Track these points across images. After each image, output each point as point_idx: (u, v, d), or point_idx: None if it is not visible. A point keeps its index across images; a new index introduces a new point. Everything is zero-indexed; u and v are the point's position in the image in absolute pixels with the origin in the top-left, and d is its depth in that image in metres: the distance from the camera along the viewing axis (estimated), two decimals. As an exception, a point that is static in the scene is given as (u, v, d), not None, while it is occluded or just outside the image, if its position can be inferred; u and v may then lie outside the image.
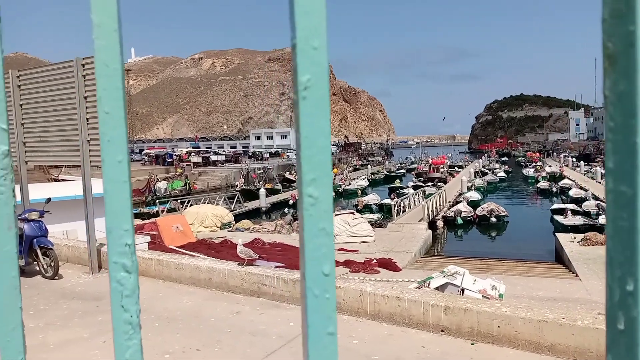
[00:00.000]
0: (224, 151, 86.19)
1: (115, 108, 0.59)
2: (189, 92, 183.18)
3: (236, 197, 32.69)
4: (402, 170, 68.62)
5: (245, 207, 32.68)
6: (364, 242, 18.60)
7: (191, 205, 27.29)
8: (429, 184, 43.62)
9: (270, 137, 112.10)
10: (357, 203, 33.15)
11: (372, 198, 35.70)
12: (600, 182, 41.03)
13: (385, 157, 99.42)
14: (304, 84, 0.51)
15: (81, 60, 7.83)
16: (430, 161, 58.30)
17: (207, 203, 28.17)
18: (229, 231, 21.68)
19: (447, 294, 9.26)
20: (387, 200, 31.16)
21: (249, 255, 6.40)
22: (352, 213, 20.85)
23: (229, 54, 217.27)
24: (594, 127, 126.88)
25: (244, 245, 6.91)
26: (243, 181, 45.34)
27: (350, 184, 47.32)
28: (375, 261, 15.38)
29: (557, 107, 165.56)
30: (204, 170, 56.86)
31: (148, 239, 12.81)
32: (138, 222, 22.71)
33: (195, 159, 63.43)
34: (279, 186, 44.70)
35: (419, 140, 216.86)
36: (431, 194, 30.22)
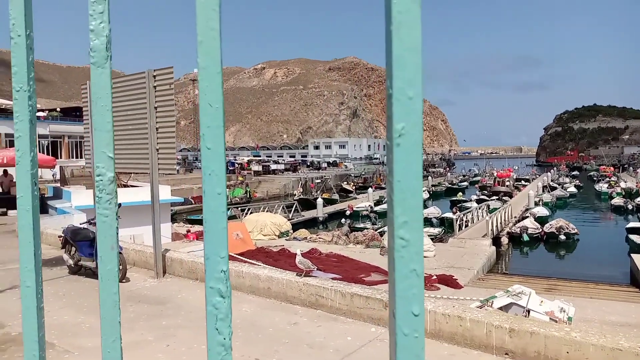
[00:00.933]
0: (283, 160, 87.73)
1: (217, 144, 0.64)
2: (251, 101, 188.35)
3: (294, 206, 33.12)
4: (465, 183, 66.91)
5: (303, 216, 33.02)
6: (424, 257, 18.20)
7: (251, 213, 27.93)
8: (494, 197, 42.24)
9: (328, 147, 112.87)
10: (416, 216, 32.62)
11: (432, 211, 35.01)
12: (683, 200, 38.00)
13: (447, 169, 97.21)
14: (399, 132, 0.54)
15: (152, 72, 8.26)
16: (495, 174, 56.44)
17: (266, 211, 28.73)
18: (286, 240, 21.98)
19: (512, 315, 8.90)
20: (449, 214, 30.45)
21: (307, 266, 6.46)
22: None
23: (290, 64, 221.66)
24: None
25: (302, 255, 6.98)
26: (301, 190, 45.92)
27: (409, 196, 46.55)
28: (435, 277, 15.01)
29: (634, 118, 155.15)
30: (263, 179, 58.08)
31: (211, 245, 13.21)
32: (199, 228, 23.54)
33: (256, 167, 64.98)
34: (336, 196, 44.85)
35: (483, 152, 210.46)
36: (496, 209, 29.20)
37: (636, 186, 49.48)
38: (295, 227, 26.86)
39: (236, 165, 63.07)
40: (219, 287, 0.64)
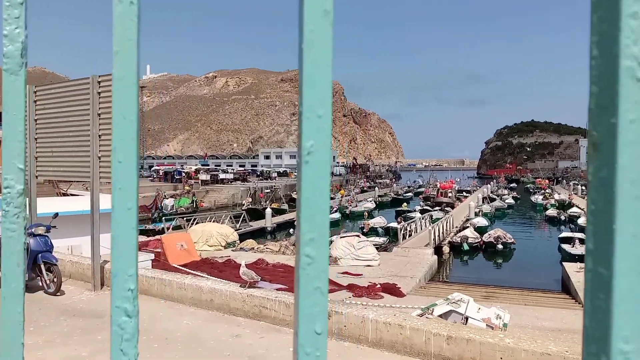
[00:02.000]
0: (232, 169, 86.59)
1: (129, 158, 0.64)
2: (201, 110, 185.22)
3: (242, 216, 32.70)
4: (410, 194, 68.47)
5: (251, 226, 32.66)
6: (368, 265, 18.46)
7: (197, 223, 27.32)
8: (437, 208, 43.41)
9: (279, 157, 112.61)
10: (363, 226, 33.05)
11: (378, 221, 35.57)
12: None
13: (393, 180, 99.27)
14: (308, 149, 0.55)
15: (97, 77, 7.98)
16: (438, 185, 58.14)
17: (213, 221, 28.19)
18: (233, 250, 21.64)
19: (451, 322, 9.16)
20: (394, 224, 31.06)
21: (252, 277, 6.40)
22: (358, 236, 20.76)
23: (242, 73, 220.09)
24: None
25: (246, 266, 6.91)
26: (250, 200, 45.46)
27: (357, 206, 47.22)
28: (379, 286, 15.23)
29: (568, 134, 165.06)
30: (211, 188, 57.03)
31: (152, 256, 12.80)
32: (143, 238, 22.76)
33: (204, 176, 63.70)
34: (285, 206, 44.69)
35: (427, 164, 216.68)
36: (438, 219, 30.07)
37: (569, 198, 52.40)
38: (243, 237, 26.49)
39: (183, 174, 61.63)
40: (126, 307, 0.63)
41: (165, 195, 43.59)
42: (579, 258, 21.12)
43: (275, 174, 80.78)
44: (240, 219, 32.24)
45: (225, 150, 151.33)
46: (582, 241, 25.79)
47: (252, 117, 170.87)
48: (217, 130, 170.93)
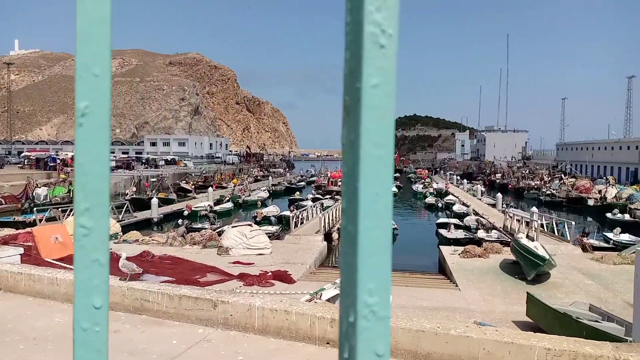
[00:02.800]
0: (114, 157, 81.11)
1: None
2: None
3: (125, 207, 30.82)
4: (303, 183, 69.52)
5: (135, 217, 30.93)
6: (260, 254, 18.47)
7: (74, 214, 25.18)
8: (327, 196, 44.64)
9: (166, 144, 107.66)
10: (256, 215, 32.91)
11: (271, 210, 35.67)
12: (480, 199, 44.82)
13: (287, 169, 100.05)
14: (82, 111, 0.51)
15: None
16: (329, 174, 59.76)
17: (93, 212, 26.16)
18: (115, 243, 20.34)
19: (335, 305, 9.50)
20: (287, 212, 31.34)
21: (132, 269, 6.03)
22: (250, 225, 20.63)
23: (126, 54, 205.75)
24: (476, 148, 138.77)
25: (127, 259, 6.49)
26: (134, 189, 42.95)
27: (250, 195, 46.89)
28: (270, 274, 15.32)
29: (446, 128, 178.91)
30: (91, 177, 52.77)
31: (21, 250, 11.58)
32: (11, 231, 20.50)
33: (82, 164, 58.63)
34: (173, 196, 42.96)
35: (320, 154, 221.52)
36: (329, 207, 30.91)
37: (445, 187, 56.85)
38: (127, 229, 25.06)
39: (58, 161, 56.34)
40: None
41: (37, 184, 39.57)
42: (453, 241, 23.04)
43: (163, 162, 77.19)
44: (124, 210, 30.36)
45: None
46: (457, 226, 28.18)
47: (137, 101, 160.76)
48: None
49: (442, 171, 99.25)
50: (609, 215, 35.60)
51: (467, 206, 37.25)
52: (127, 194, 40.11)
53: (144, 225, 30.08)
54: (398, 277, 17.24)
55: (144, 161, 79.15)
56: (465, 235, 25.59)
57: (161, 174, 52.79)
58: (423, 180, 73.92)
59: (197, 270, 15.72)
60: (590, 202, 43.42)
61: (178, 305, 5.18)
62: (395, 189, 60.48)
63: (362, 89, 0.46)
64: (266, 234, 21.86)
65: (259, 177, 73.87)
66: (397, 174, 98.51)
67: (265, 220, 31.29)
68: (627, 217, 34.49)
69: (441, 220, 31.45)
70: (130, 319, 5.49)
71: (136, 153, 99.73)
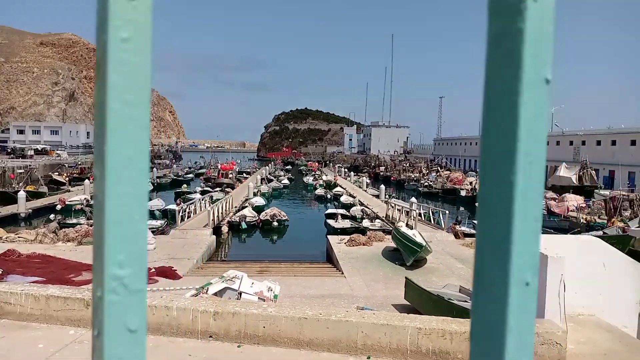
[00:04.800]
0: (-28, 145, 71.84)
1: None
2: None
3: (-14, 201, 27.49)
4: (191, 175, 67.34)
5: (-1, 212, 27.71)
6: (144, 249, 17.57)
7: None
8: (217, 189, 43.72)
9: (36, 132, 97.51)
10: (139, 208, 31.17)
11: (156, 204, 34.04)
12: (365, 190, 46.94)
13: (174, 161, 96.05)
14: None
15: None
16: (219, 166, 58.57)
17: (-56, 208, 22.97)
18: (-28, 242, 18.08)
19: (225, 298, 9.36)
20: (173, 206, 30.10)
21: (-12, 269, 5.35)
22: (132, 219, 19.49)
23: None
24: (363, 142, 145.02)
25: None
26: (-2, 181, 38.38)
27: (132, 188, 44.18)
28: (153, 270, 14.66)
29: (335, 122, 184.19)
30: (-59, 168, 46.24)
31: None
32: None
33: None
34: (44, 188, 39.09)
35: (209, 145, 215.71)
36: (218, 199, 30.29)
37: (334, 179, 58.68)
38: (-13, 226, 22.39)
39: None
40: None
41: None
42: (340, 231, 23.88)
43: (32, 152, 69.86)
44: (-17, 204, 27.05)
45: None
46: (344, 216, 29.23)
47: (1, 83, 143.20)
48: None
49: (331, 164, 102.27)
50: (477, 204, 39.28)
51: (354, 197, 38.83)
52: (-12, 187, 35.71)
53: (10, 221, 27.10)
54: (287, 267, 17.49)
55: (9, 150, 71.06)
56: (351, 224, 26.64)
57: (30, 165, 47.73)
58: (313, 173, 75.62)
59: (72, 269, 14.55)
60: (463, 193, 47.55)
61: (45, 307, 4.72)
62: (287, 181, 61.25)
63: (108, 42, 0.42)
64: (150, 228, 20.86)
65: (143, 169, 69.88)
66: (289, 166, 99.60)
67: (150, 215, 29.79)
68: (492, 206, 38.28)
69: (329, 210, 32.41)
70: (-14, 325, 4.89)
71: (0, 141, 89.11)
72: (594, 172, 44.94)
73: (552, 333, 4.03)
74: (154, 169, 66.03)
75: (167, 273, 14.60)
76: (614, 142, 49.94)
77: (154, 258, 16.25)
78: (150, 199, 37.79)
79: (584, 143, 55.10)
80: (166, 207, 31.68)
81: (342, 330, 3.92)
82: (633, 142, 47.03)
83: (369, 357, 3.89)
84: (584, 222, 27.55)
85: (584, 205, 31.82)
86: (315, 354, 3.94)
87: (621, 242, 15.02)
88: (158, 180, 55.81)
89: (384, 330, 3.86)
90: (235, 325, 4.18)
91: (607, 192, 35.18)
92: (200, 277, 13.66)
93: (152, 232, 20.57)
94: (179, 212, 23.95)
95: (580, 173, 44.24)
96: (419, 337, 3.80)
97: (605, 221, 26.23)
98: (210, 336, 4.22)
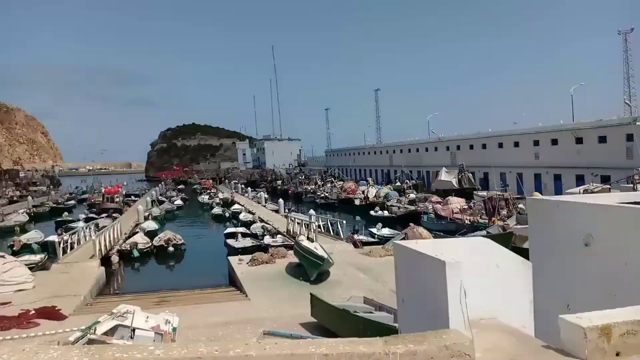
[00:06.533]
0: None
1: None
2: None
3: None
4: (72, 201, 62.22)
5: None
6: (20, 290, 15.73)
7: None
8: (103, 215, 40.73)
9: None
10: (13, 243, 27.90)
11: (33, 236, 30.81)
12: (265, 206, 46.59)
13: (52, 187, 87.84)
14: None
15: None
16: (103, 190, 54.71)
17: None
18: None
19: (117, 338, 8.53)
20: (54, 237, 27.34)
21: None
22: (3, 257, 17.33)
23: None
24: (257, 156, 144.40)
25: None
26: None
27: (4, 220, 39.63)
28: (33, 312, 13.08)
29: (227, 137, 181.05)
30: None
31: None
32: None
33: None
34: None
35: (91, 168, 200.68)
36: (105, 226, 28.09)
37: (231, 196, 57.50)
38: None
39: None
40: None
41: None
42: (242, 250, 23.26)
43: None
44: None
45: None
46: (244, 234, 28.62)
47: None
48: None
49: (227, 180, 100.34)
50: (372, 212, 40.84)
51: (253, 214, 38.33)
52: None
53: None
54: (187, 295, 16.57)
55: None
56: (252, 243, 26.16)
57: None
58: (209, 191, 73.55)
59: None
60: (357, 202, 49.18)
61: None
62: (180, 202, 58.79)
63: None
64: (27, 264, 18.77)
65: (14, 198, 63.22)
66: (182, 186, 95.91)
67: (26, 249, 26.83)
68: (386, 213, 40.09)
69: (229, 230, 31.56)
70: None
71: None
72: (471, 174, 48.90)
73: (460, 344, 4.06)
74: (29, 197, 59.82)
75: (50, 314, 13.12)
76: (484, 146, 54.81)
77: (33, 298, 14.59)
78: (27, 231, 34.09)
79: (459, 147, 59.72)
80: (46, 239, 28.72)
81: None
82: (500, 145, 52.07)
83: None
84: (468, 222, 29.73)
85: (466, 207, 34.37)
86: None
87: (504, 240, 16.29)
88: (35, 209, 50.65)
89: (292, 362, 3.65)
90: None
91: (484, 193, 38.28)
92: (90, 315, 12.40)
93: (30, 268, 18.48)
94: (61, 244, 21.77)
95: (459, 176, 47.88)
96: (329, 365, 3.65)
97: (487, 221, 28.46)
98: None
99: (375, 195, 49.69)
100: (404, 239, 21.72)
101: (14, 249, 26.43)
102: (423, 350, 4.17)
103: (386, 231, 29.02)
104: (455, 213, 32.74)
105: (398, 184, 58.21)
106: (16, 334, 11.25)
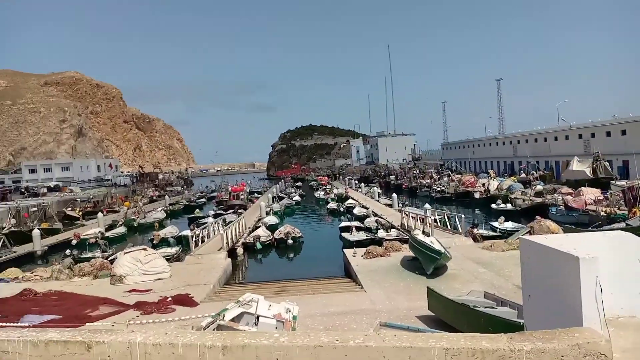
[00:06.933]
0: (-14, 188, 72.87)
1: None
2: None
3: (1, 241, 27.53)
4: (203, 199, 67.42)
5: (14, 252, 27.72)
6: (159, 279, 17.34)
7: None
8: (230, 211, 43.61)
9: (48, 170, 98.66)
10: (152, 237, 31.08)
11: (169, 231, 33.95)
12: (378, 200, 46.45)
13: (185, 187, 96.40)
14: None
15: None
16: (230, 189, 58.58)
17: (-40, 253, 23.05)
18: (-12, 284, 17.98)
19: (243, 324, 9.02)
20: (187, 232, 29.96)
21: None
22: (145, 249, 19.29)
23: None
24: (370, 153, 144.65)
25: (12, 297, 5.52)
26: (13, 221, 38.57)
27: (145, 217, 44.30)
28: (170, 299, 14.38)
29: (341, 136, 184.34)
30: (-44, 213, 46.78)
31: None
32: None
33: (-55, 200, 52.17)
34: (58, 225, 39.23)
35: (219, 169, 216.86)
36: (231, 222, 30.07)
37: (345, 191, 58.28)
38: (4, 265, 22.46)
39: None
40: None
41: None
42: (356, 244, 23.43)
43: (45, 190, 70.50)
44: None
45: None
46: (358, 228, 28.81)
47: (10, 126, 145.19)
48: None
49: (341, 177, 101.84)
50: (493, 205, 38.61)
51: (367, 208, 38.39)
52: (4, 228, 35.86)
53: (27, 260, 27.11)
54: (305, 285, 17.08)
55: (22, 190, 71.80)
56: (367, 236, 26.21)
57: (43, 202, 48.07)
58: (324, 187, 75.29)
59: (88, 304, 14.33)
60: (477, 195, 46.88)
61: (45, 352, 4.44)
62: (298, 198, 61.01)
63: None
64: (164, 256, 20.65)
65: (154, 198, 70.30)
66: (300, 183, 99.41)
67: (164, 242, 29.66)
68: (509, 206, 37.66)
69: (343, 224, 32.00)
70: (-16, 378, 4.61)
71: (13, 182, 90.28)
72: (607, 163, 43.95)
73: (594, 343, 3.61)
74: (166, 197, 66.19)
75: (184, 301, 14.31)
76: (624, 132, 48.97)
77: (170, 286, 15.99)
78: (164, 227, 37.79)
79: (593, 135, 54.11)
80: (180, 234, 31.52)
81: (362, 356, 3.58)
82: (645, 130, 46.13)
83: (394, 384, 3.54)
84: (604, 214, 26.80)
85: (601, 197, 31.04)
86: (336, 384, 3.60)
87: (648, 233, 14.37)
88: (171, 207, 55.88)
89: (408, 354, 3.51)
90: (246, 359, 3.86)
91: (623, 183, 34.32)
92: (218, 302, 13.36)
93: (167, 259, 20.34)
94: (193, 238, 23.72)
95: (594, 165, 43.32)
96: (447, 359, 3.45)
97: (626, 212, 25.47)
98: (221, 372, 3.90)
99: (497, 188, 46.99)
100: (529, 232, 20.20)
101: (154, 242, 29.36)
102: (552, 348, 3.78)
103: (509, 225, 27.26)
104: (589, 204, 29.70)
105: (523, 175, 54.41)
106: (157, 318, 12.42)
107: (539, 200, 36.99)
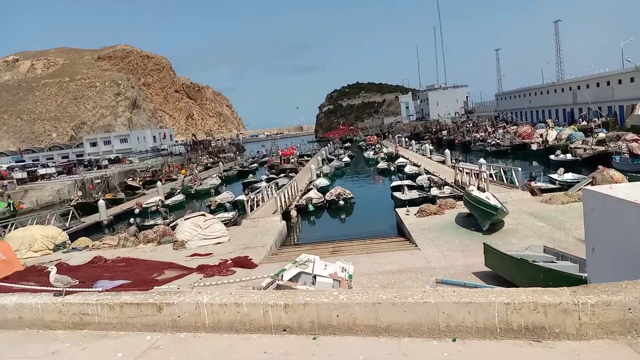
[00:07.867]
0: (54, 162, 77.47)
1: None
2: (6, 99, 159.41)
3: (71, 213, 29.37)
4: (255, 165, 68.73)
5: (83, 222, 29.56)
6: (218, 243, 18.02)
7: (15, 228, 23.75)
8: (281, 175, 44.29)
9: (107, 142, 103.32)
10: (210, 203, 32.17)
11: (225, 196, 35.01)
12: (430, 158, 45.65)
13: (237, 153, 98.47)
14: None
15: None
16: (280, 153, 59.29)
17: (36, 223, 24.79)
18: (64, 252, 19.33)
19: (301, 284, 9.30)
20: (242, 197, 30.80)
21: (67, 282, 5.52)
22: (203, 215, 20.02)
23: (50, 54, 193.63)
24: (420, 108, 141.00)
25: (82, 266, 5.97)
26: (79, 194, 41.00)
27: (201, 184, 45.83)
28: (230, 261, 14.95)
29: (389, 92, 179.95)
30: (30, 187, 50.27)
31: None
32: None
33: (19, 174, 55.96)
34: (121, 195, 41.32)
35: (269, 133, 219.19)
36: (283, 185, 30.59)
37: (395, 150, 57.53)
38: (76, 235, 23.92)
39: (-10, 174, 53.11)
40: None
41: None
42: (409, 202, 23.27)
43: (106, 162, 74.10)
44: (70, 216, 28.94)
45: (44, 142, 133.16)
46: (410, 187, 28.54)
47: (70, 101, 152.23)
48: (30, 120, 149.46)
49: (390, 135, 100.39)
50: (552, 157, 37.03)
51: (418, 166, 37.84)
52: (72, 200, 38.21)
53: (95, 230, 28.86)
54: (358, 245, 17.24)
55: (86, 163, 75.82)
56: (419, 194, 25.94)
57: (105, 174, 50.66)
58: (373, 147, 74.64)
59: (154, 269, 15.14)
60: (534, 147, 45.05)
61: (120, 314, 4.79)
62: (347, 159, 60.90)
63: None
64: (222, 221, 21.35)
65: (209, 165, 72.36)
66: (348, 144, 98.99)
67: (220, 208, 30.65)
68: (569, 156, 36.02)
69: (395, 183, 31.76)
70: (70, 336, 5.04)
71: (77, 156, 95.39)
72: (679, 106, 40.83)
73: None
74: (220, 163, 67.96)
75: (243, 263, 14.82)
76: (700, 70, 45.06)
77: (229, 249, 16.60)
78: (220, 193, 39.02)
79: (662, 75, 50.14)
80: (236, 199, 32.45)
81: (421, 313, 3.62)
82: None
83: (454, 340, 3.57)
84: (675, 161, 25.15)
85: (672, 142, 29.07)
86: (395, 340, 3.68)
87: None
88: (225, 173, 57.35)
89: (468, 309, 3.51)
90: (307, 317, 4.00)
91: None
92: (275, 264, 13.78)
93: (225, 224, 21.04)
94: (248, 202, 24.36)
95: (663, 108, 40.40)
96: (507, 314, 3.42)
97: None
98: (284, 330, 4.07)
99: (556, 138, 44.89)
100: (591, 183, 19.30)
101: (211, 208, 30.41)
102: (618, 301, 3.66)
103: (569, 176, 26.13)
104: (658, 151, 27.90)
105: (584, 123, 51.60)
106: (219, 280, 12.99)
107: (601, 148, 35.10)
